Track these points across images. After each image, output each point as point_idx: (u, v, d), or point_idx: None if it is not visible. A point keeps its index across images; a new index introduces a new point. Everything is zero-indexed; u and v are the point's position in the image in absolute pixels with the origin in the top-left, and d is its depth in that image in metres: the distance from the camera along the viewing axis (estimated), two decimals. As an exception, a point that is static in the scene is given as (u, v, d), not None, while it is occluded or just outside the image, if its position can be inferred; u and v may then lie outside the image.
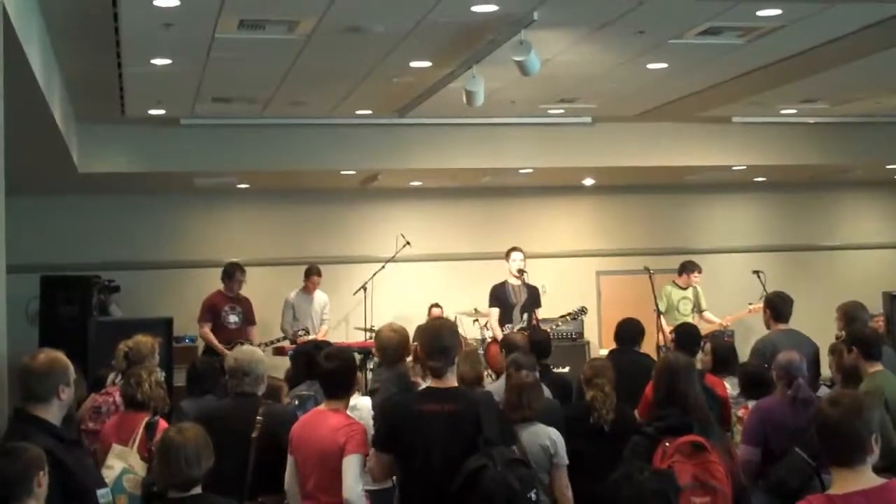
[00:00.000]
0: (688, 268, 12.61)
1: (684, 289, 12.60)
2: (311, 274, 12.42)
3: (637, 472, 4.10)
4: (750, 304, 12.04)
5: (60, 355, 4.52)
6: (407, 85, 9.63)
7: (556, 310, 11.56)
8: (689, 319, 11.56)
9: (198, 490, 4.23)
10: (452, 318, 12.25)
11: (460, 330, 7.28)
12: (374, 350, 6.97)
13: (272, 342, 11.57)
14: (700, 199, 15.27)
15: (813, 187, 15.39)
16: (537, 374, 6.70)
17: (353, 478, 4.96)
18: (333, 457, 5.00)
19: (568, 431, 6.17)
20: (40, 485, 3.94)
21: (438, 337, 5.03)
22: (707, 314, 12.65)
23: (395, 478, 5.99)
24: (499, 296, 10.76)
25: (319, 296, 12.47)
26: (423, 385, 5.94)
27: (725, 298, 13.17)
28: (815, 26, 7.76)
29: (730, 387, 7.28)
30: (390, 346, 6.22)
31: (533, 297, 10.67)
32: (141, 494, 5.48)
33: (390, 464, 5.10)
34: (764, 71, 9.24)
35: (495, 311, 10.74)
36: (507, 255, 10.91)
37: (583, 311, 11.47)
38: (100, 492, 4.37)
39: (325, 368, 5.38)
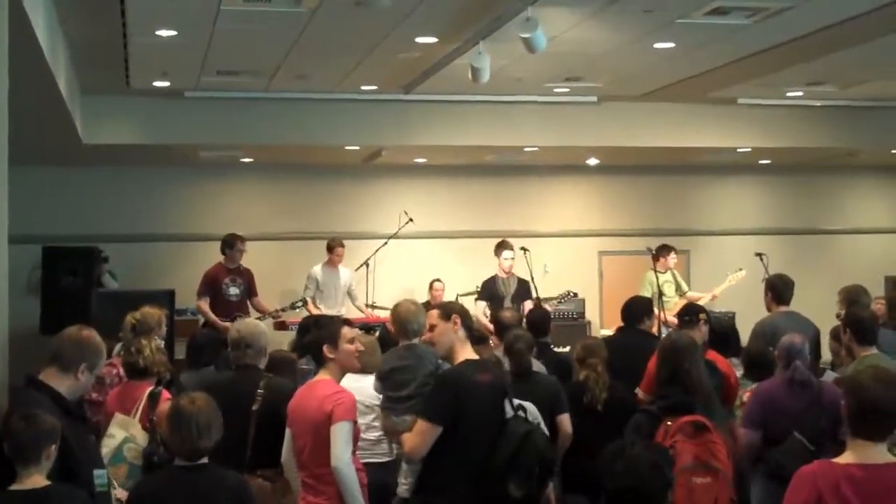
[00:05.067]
0: (663, 251, 12.26)
1: (664, 273, 12.47)
2: (334, 246, 12.22)
3: (630, 447, 4.06)
4: (728, 275, 12.15)
5: (100, 340, 4.53)
6: (413, 60, 9.60)
7: (556, 289, 11.57)
8: (674, 302, 11.51)
9: (204, 461, 4.23)
10: (453, 297, 12.29)
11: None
12: (389, 325, 6.81)
13: (273, 313, 11.51)
14: (704, 181, 15.22)
15: (818, 171, 15.34)
16: (535, 352, 6.73)
17: (341, 446, 4.87)
18: (322, 426, 4.91)
19: None
20: (49, 457, 4.01)
21: None
22: (691, 293, 12.56)
23: (395, 449, 5.99)
24: (489, 289, 11.01)
25: (344, 271, 12.31)
26: None
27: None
28: (823, 8, 7.72)
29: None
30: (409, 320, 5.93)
31: (524, 289, 10.79)
32: (142, 464, 5.48)
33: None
34: (771, 52, 9.20)
35: (482, 304, 10.95)
36: (496, 251, 10.99)
37: (569, 295, 11.52)
38: (96, 472, 4.34)
39: (306, 340, 5.33)
